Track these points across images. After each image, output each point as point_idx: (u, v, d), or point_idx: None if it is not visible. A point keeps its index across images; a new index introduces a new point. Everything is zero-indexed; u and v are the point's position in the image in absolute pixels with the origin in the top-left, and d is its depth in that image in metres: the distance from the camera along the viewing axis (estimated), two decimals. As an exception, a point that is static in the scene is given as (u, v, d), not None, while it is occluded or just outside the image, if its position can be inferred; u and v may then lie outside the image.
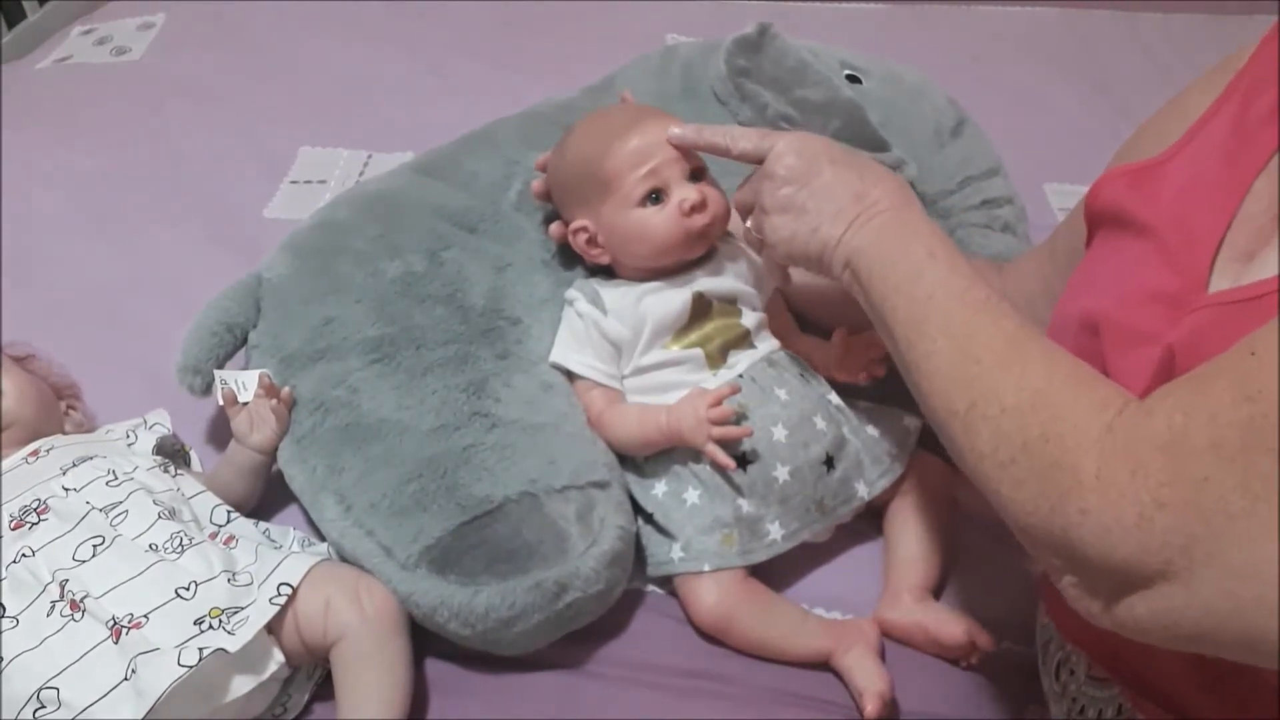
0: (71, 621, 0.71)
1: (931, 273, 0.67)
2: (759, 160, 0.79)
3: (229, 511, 0.85)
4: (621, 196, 0.89)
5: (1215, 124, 0.65)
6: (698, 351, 0.89)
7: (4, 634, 0.71)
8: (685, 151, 0.89)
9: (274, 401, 0.89)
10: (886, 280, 0.69)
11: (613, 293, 0.91)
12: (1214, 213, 0.59)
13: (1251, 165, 0.59)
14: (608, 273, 0.95)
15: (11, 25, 1.79)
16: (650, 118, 0.90)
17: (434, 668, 0.82)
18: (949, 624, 0.81)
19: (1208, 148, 0.64)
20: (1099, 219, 0.70)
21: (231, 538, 0.81)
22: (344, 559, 0.83)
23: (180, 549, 0.76)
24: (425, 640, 0.81)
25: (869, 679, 0.78)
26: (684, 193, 0.88)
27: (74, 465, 0.83)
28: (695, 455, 0.85)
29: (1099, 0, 1.84)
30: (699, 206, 0.88)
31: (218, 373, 0.92)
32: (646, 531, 0.87)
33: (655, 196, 0.88)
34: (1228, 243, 0.58)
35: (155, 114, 1.48)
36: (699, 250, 0.91)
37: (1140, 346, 0.59)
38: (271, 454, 0.90)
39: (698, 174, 0.90)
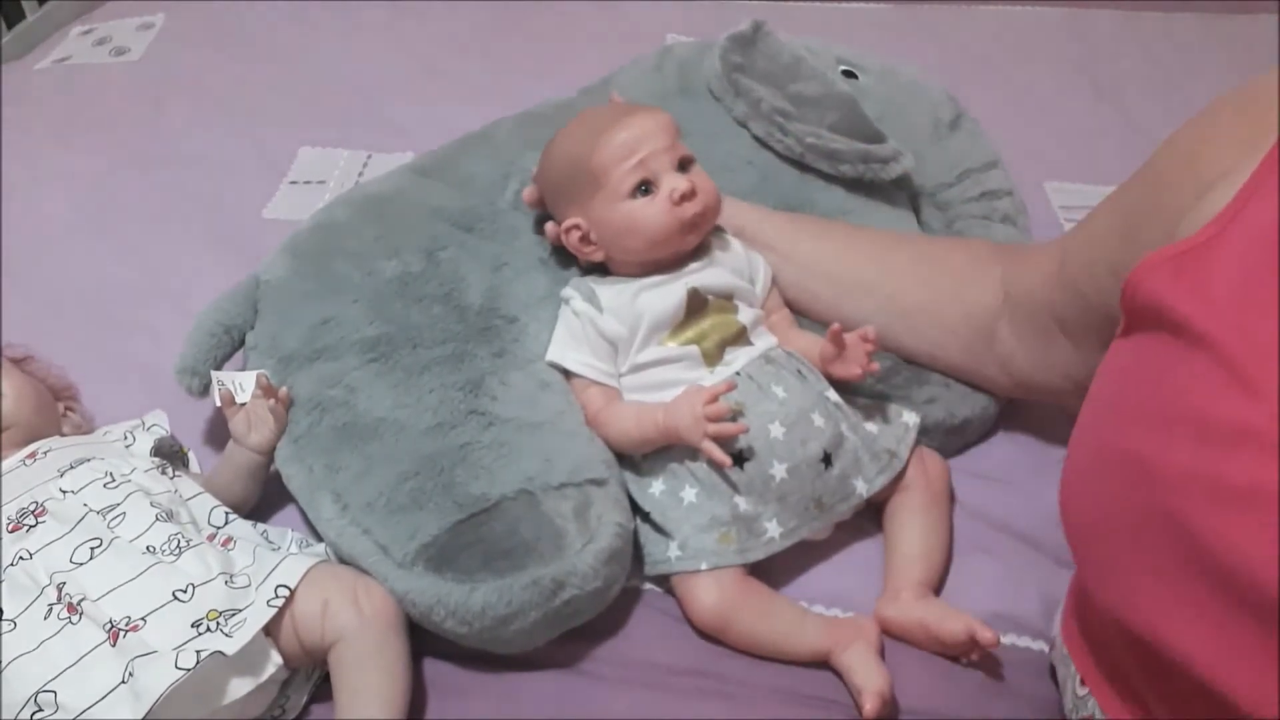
0: (69, 624, 0.71)
1: None
2: None
3: (227, 513, 0.85)
4: (611, 190, 0.88)
5: (1258, 206, 0.57)
6: (694, 348, 0.88)
7: (2, 637, 0.70)
8: (672, 141, 0.88)
9: (272, 401, 0.89)
10: None
11: (608, 290, 0.91)
12: None
13: None
14: (603, 270, 0.95)
15: (11, 25, 1.79)
16: (636, 112, 0.90)
17: (433, 667, 0.82)
18: (949, 621, 0.81)
19: (1257, 236, 0.56)
20: (1139, 316, 0.62)
21: (229, 539, 0.80)
22: (341, 558, 0.83)
23: (178, 551, 0.76)
24: (424, 640, 0.81)
25: (868, 677, 0.78)
26: (674, 182, 0.87)
27: (72, 467, 0.83)
28: (692, 453, 0.85)
29: (1100, 0, 1.84)
30: (689, 195, 0.87)
31: (215, 374, 0.92)
32: (644, 530, 0.87)
33: (645, 188, 0.88)
34: None
35: (155, 114, 1.48)
36: (692, 240, 0.91)
37: (1241, 509, 0.50)
38: (270, 454, 0.89)
39: (685, 164, 0.90)
